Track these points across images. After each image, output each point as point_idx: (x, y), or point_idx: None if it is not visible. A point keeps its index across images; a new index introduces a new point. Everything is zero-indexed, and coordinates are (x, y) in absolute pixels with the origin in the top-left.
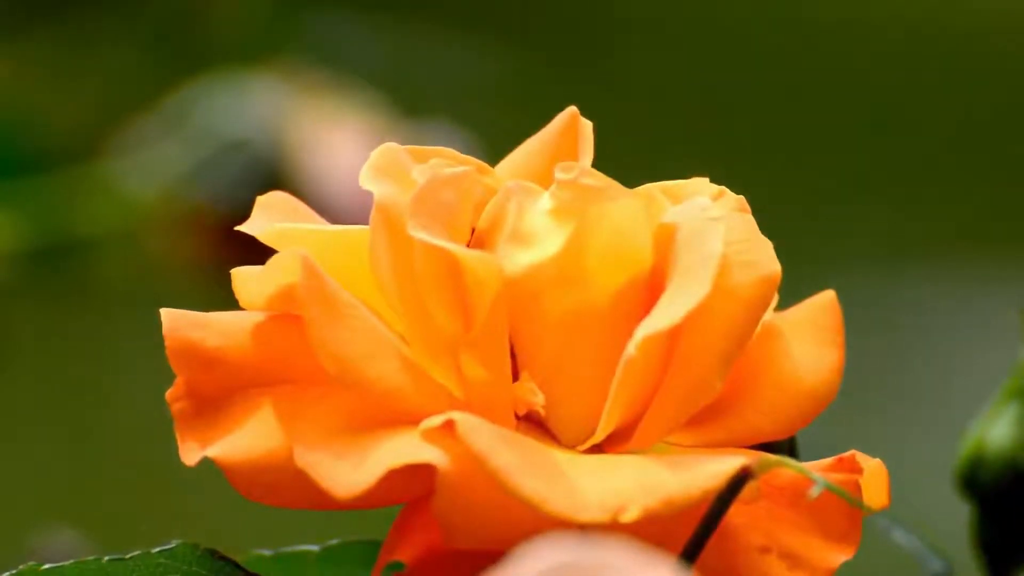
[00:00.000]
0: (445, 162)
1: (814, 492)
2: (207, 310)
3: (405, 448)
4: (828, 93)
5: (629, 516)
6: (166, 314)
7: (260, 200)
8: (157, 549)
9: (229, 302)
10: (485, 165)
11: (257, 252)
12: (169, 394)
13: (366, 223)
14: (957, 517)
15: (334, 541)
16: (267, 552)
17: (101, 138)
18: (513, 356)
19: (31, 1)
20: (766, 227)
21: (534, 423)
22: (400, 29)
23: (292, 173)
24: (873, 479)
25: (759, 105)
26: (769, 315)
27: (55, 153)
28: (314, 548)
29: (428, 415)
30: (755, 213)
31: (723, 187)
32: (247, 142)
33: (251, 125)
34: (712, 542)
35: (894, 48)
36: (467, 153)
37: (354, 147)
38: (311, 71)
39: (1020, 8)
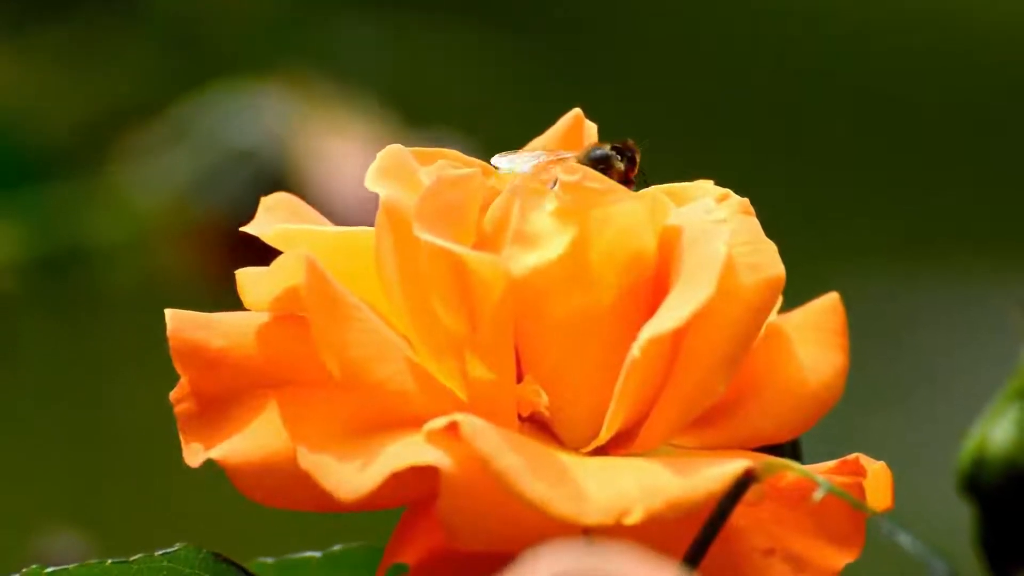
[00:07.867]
0: (451, 164)
1: (818, 495)
2: None
3: (409, 450)
4: (831, 95)
5: (633, 519)
6: (170, 315)
7: (264, 201)
8: (161, 552)
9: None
10: (490, 167)
11: (264, 262)
12: (173, 395)
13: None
14: (959, 518)
15: (336, 547)
16: (270, 560)
17: (108, 147)
18: (517, 357)
19: (38, 9)
20: (769, 229)
21: (538, 425)
22: (407, 39)
23: (299, 183)
24: (877, 481)
25: (761, 108)
26: (773, 317)
27: (62, 163)
28: (316, 554)
29: (432, 417)
30: (758, 215)
31: (727, 189)
32: (254, 152)
33: (258, 135)
34: (716, 545)
35: (897, 49)
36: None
37: (360, 157)
38: (318, 81)
39: (1022, 10)
